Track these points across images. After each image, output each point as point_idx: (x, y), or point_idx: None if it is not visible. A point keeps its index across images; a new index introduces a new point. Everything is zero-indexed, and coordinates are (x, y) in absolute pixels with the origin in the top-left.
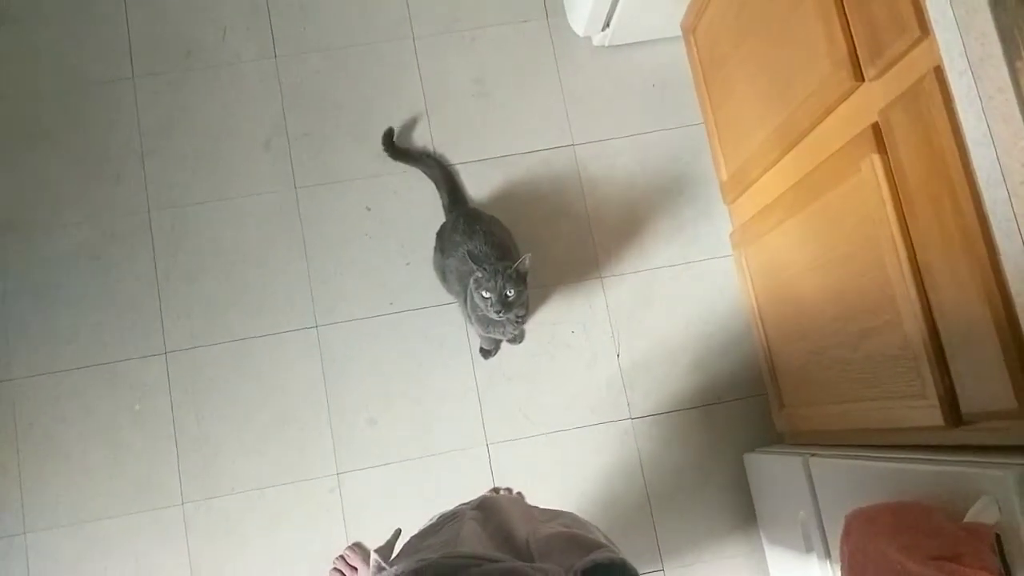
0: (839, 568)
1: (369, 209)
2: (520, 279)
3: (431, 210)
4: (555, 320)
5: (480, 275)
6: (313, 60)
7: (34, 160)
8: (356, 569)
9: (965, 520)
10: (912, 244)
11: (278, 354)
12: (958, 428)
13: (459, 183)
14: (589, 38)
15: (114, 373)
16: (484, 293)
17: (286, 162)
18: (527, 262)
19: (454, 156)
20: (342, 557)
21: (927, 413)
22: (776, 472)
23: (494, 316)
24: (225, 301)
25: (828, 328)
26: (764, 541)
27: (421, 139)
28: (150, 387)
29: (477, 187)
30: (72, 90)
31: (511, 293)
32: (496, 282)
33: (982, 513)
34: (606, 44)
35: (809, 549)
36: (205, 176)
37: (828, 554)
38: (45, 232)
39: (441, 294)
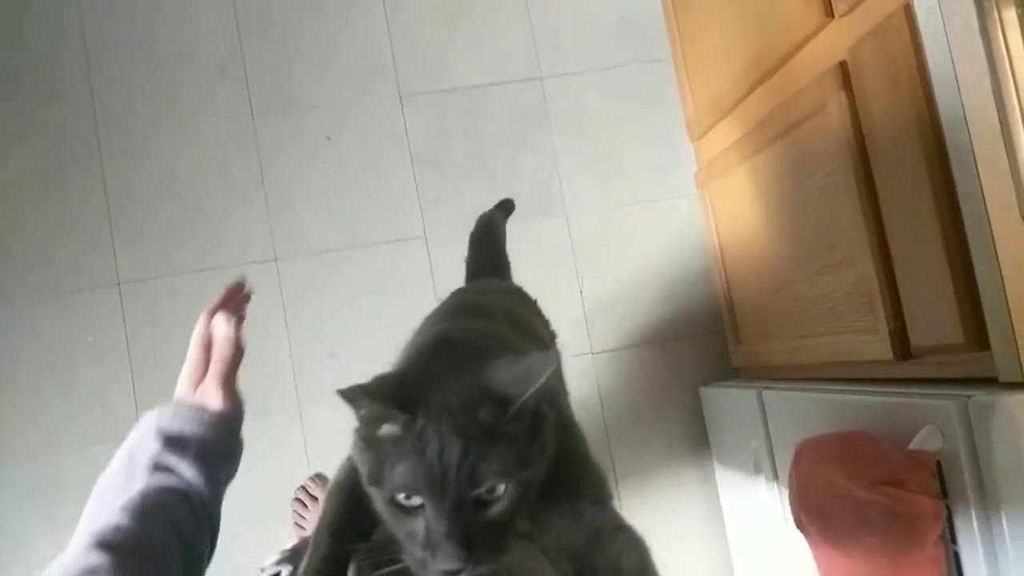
0: (787, 493)
1: (330, 139)
2: (506, 428)
3: (394, 142)
4: (518, 256)
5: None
6: None
7: None
8: (317, 499)
9: (909, 448)
10: (874, 183)
11: None
12: (906, 362)
13: None
14: None
15: (66, 303)
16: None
17: (242, 88)
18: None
19: (417, 84)
20: (304, 488)
21: (878, 347)
22: (731, 405)
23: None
24: (180, 231)
25: (787, 266)
26: (716, 469)
27: (382, 64)
28: (104, 318)
29: (440, 119)
30: (11, 6)
31: (484, 484)
32: (431, 446)
33: (926, 441)
34: None
35: (759, 475)
36: (156, 100)
37: (776, 478)
38: None
39: (403, 228)
